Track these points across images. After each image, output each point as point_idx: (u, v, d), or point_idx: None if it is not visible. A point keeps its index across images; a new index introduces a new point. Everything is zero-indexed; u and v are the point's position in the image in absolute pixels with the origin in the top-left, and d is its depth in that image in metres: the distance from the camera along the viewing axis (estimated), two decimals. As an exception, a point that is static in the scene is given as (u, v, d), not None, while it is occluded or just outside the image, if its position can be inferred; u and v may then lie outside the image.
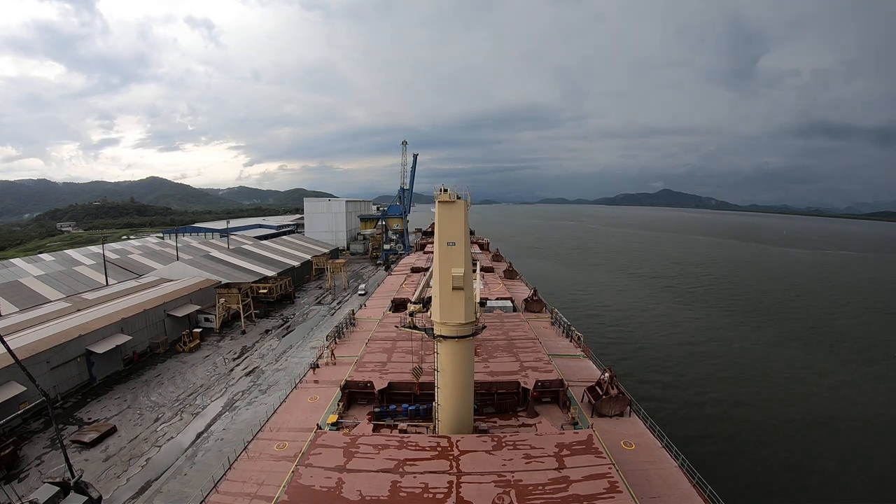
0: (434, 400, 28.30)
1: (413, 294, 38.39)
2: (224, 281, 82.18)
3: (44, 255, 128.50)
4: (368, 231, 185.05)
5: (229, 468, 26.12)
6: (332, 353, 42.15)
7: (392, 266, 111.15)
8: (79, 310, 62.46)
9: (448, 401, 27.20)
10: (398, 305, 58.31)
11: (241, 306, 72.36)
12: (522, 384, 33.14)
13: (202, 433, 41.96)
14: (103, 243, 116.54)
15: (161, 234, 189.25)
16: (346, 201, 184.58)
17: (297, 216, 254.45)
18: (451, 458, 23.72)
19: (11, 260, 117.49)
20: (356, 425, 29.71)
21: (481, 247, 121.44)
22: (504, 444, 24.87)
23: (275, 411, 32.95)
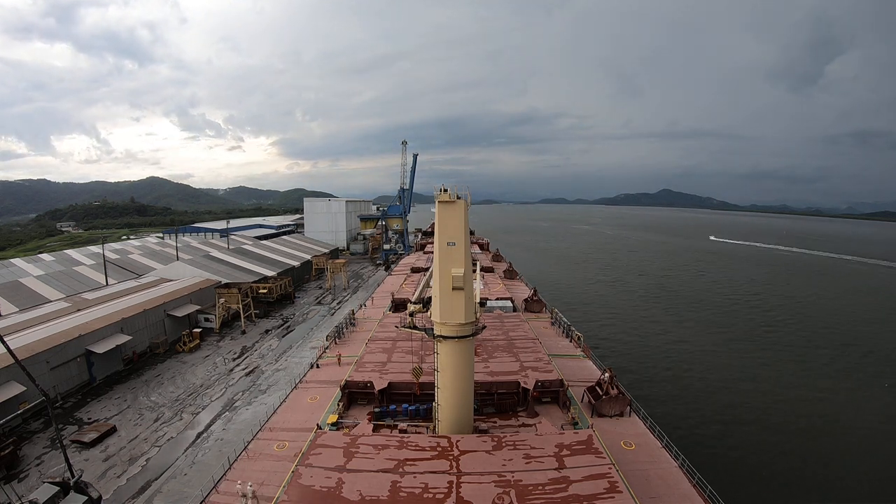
0: (434, 400, 28.31)
1: (413, 294, 38.37)
2: (224, 281, 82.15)
3: (44, 255, 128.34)
4: (368, 231, 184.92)
5: (229, 468, 26.12)
6: (333, 354, 42.12)
7: (392, 266, 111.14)
8: (79, 310, 62.43)
9: (448, 401, 27.20)
10: (398, 305, 58.30)
11: (241, 306, 72.36)
12: (522, 384, 33.13)
13: (202, 433, 41.94)
14: (103, 243, 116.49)
15: (161, 234, 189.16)
16: (346, 201, 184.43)
17: (297, 216, 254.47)
18: (451, 458, 23.72)
19: (11, 260, 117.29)
20: (356, 425, 29.69)
21: (481, 247, 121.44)
22: (504, 445, 24.87)
23: (275, 411, 32.96)
